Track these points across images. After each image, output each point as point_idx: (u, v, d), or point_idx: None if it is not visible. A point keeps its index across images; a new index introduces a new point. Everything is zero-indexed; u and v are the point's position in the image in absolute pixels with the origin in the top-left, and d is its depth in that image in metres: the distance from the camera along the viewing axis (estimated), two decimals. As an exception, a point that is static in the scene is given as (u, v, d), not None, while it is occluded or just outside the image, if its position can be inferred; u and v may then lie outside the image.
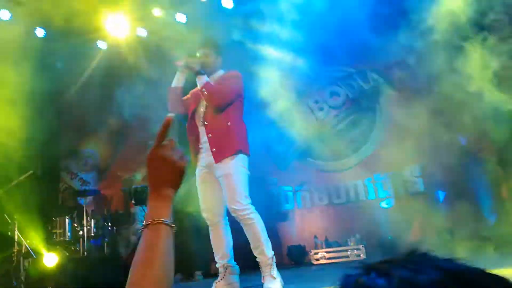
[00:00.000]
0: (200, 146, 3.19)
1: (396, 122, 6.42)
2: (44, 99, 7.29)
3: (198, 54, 3.26)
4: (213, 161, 3.04)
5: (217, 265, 3.11)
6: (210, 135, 3.08)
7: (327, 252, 6.01)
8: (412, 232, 6.16)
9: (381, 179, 6.49)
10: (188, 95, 3.39)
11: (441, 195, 6.12)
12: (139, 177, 7.21)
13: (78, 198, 6.23)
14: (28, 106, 6.38)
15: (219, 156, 3.02)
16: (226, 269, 3.02)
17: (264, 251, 2.91)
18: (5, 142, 6.12)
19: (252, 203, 3.14)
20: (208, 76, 3.19)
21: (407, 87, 6.43)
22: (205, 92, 3.05)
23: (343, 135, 6.85)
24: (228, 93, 3.12)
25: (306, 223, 6.75)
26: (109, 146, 7.76)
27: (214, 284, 3.02)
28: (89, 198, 6.42)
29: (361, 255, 5.81)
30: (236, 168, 3.01)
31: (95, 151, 7.82)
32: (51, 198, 7.26)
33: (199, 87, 3.12)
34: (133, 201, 5.26)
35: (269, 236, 3.03)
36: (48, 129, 7.31)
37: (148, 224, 0.82)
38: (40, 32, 6.71)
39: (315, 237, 6.34)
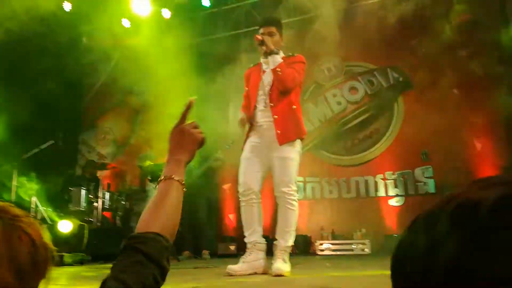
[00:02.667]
0: (257, 124, 3.18)
1: (412, 122, 6.43)
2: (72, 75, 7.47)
3: (261, 31, 3.18)
4: (274, 141, 3.04)
5: (245, 240, 3.12)
6: (276, 116, 3.09)
7: (332, 244, 6.10)
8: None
9: (393, 177, 6.53)
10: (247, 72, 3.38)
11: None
12: (154, 154, 7.37)
13: (96, 172, 6.41)
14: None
15: (284, 138, 3.04)
16: (255, 245, 3.04)
17: (288, 239, 2.98)
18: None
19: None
20: (268, 56, 3.15)
21: (427, 89, 6.43)
22: (279, 73, 3.05)
23: (358, 131, 6.89)
24: (298, 77, 3.12)
25: (314, 214, 6.82)
26: (128, 123, 7.92)
27: (241, 259, 3.04)
28: (106, 172, 6.59)
29: (366, 250, 5.89)
30: (295, 153, 3.06)
31: (113, 127, 7.99)
32: (69, 169, 7.47)
33: (271, 66, 3.08)
34: (149, 178, 5.40)
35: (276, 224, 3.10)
36: (70, 103, 7.50)
37: (162, 179, 0.94)
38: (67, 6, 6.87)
39: (322, 228, 6.43)
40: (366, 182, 6.68)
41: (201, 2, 7.61)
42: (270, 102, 3.14)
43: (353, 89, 7.08)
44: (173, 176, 0.93)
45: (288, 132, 3.06)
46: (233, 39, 7.36)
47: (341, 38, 6.98)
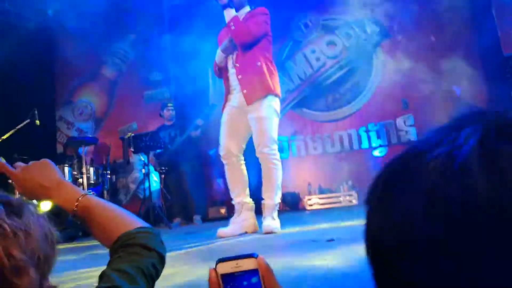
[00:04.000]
0: (231, 87, 3.16)
1: (391, 72, 6.44)
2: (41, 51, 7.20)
3: None
4: (245, 102, 3.02)
5: (233, 202, 3.16)
6: (240, 76, 3.05)
7: (320, 198, 6.22)
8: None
9: (375, 128, 6.59)
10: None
11: (432, 144, 6.26)
12: (136, 125, 7.27)
13: (78, 147, 6.32)
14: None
15: (250, 97, 3.00)
16: (243, 205, 3.08)
17: (274, 196, 3.01)
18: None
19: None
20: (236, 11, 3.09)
21: (404, 38, 6.40)
22: (233, 27, 2.97)
23: (339, 85, 6.87)
24: (256, 30, 3.01)
25: (300, 171, 6.91)
26: (105, 96, 7.75)
27: (231, 220, 3.09)
28: (88, 147, 6.50)
29: (353, 201, 6.03)
30: (268, 111, 3.00)
31: (90, 101, 7.81)
32: (49, 147, 7.34)
33: (226, 21, 3.02)
34: (132, 149, 5.34)
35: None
36: (43, 80, 7.28)
37: (77, 206, 0.83)
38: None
39: (309, 184, 6.53)
40: (350, 135, 6.74)
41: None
42: (236, 62, 3.09)
43: (331, 43, 6.99)
44: (82, 194, 0.84)
45: (254, 90, 3.00)
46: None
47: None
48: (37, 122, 5.57)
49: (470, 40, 6.05)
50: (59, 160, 5.93)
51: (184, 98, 6.70)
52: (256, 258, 0.52)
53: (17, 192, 0.89)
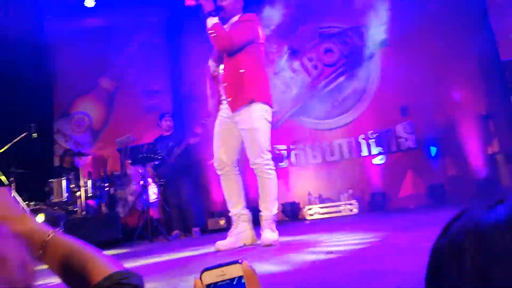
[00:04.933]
0: (222, 97, 3.10)
1: (389, 79, 6.42)
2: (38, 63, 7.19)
3: None
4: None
5: (230, 214, 3.10)
6: (225, 83, 3.00)
7: (320, 207, 6.15)
8: (403, 187, 6.32)
9: (374, 136, 6.55)
10: None
11: (432, 150, 6.22)
12: (133, 137, 7.22)
13: (75, 160, 6.27)
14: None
15: (234, 105, 2.93)
16: (239, 217, 3.02)
17: (271, 208, 2.95)
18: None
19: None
20: (227, 21, 3.04)
21: (402, 45, 6.38)
22: (213, 34, 2.90)
23: (337, 93, 6.85)
24: (236, 36, 2.93)
25: (300, 180, 6.85)
26: (103, 107, 7.72)
27: (228, 233, 3.02)
28: (85, 160, 6.45)
29: (354, 210, 5.96)
30: (257, 120, 2.92)
31: (87, 113, 7.78)
32: (46, 160, 7.29)
33: (208, 28, 2.95)
34: (129, 161, 5.29)
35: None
36: (40, 92, 7.26)
37: (45, 247, 0.70)
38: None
39: (309, 193, 6.47)
40: (349, 143, 6.70)
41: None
42: (222, 70, 3.05)
43: (328, 51, 6.98)
44: (50, 234, 0.71)
45: (238, 98, 2.94)
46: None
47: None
48: (34, 135, 5.54)
49: (468, 45, 6.02)
50: (57, 173, 5.88)
51: (182, 108, 6.68)
52: (240, 264, 0.52)
53: None
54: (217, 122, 3.15)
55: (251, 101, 2.93)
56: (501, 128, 5.55)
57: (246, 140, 2.97)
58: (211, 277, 0.51)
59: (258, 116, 2.94)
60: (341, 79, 6.84)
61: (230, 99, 2.97)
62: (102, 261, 0.70)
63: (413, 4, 6.02)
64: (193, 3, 2.96)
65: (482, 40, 5.92)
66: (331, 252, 1.97)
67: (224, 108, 3.09)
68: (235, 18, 3.08)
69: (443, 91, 6.19)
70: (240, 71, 2.96)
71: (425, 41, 6.27)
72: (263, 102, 2.99)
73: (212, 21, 2.94)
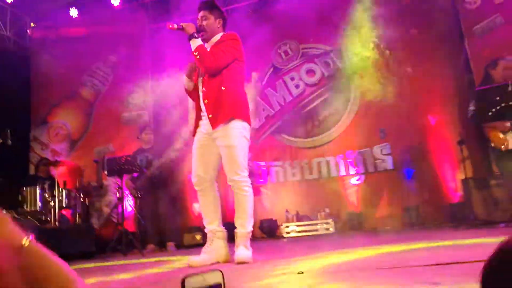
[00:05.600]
0: (201, 112, 3.12)
1: (369, 101, 6.55)
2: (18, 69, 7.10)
3: (198, 17, 3.12)
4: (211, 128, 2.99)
5: (205, 230, 3.08)
6: (206, 101, 3.02)
7: (297, 225, 6.18)
8: (380, 208, 6.40)
9: (352, 156, 6.65)
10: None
11: (409, 173, 6.34)
12: (112, 147, 7.16)
13: (51, 169, 6.16)
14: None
15: (214, 122, 2.95)
16: (215, 234, 3.01)
17: (246, 225, 2.95)
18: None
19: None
20: (208, 41, 3.08)
21: (382, 68, 6.55)
22: (197, 56, 2.94)
23: (318, 112, 6.95)
24: (221, 56, 2.98)
25: (278, 197, 6.88)
26: (82, 116, 7.63)
27: (202, 249, 3.00)
28: (61, 169, 6.34)
29: (330, 229, 6.00)
30: (236, 138, 2.94)
31: (66, 122, 7.68)
32: (21, 168, 7.14)
33: (192, 50, 2.99)
34: (106, 172, 5.23)
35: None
36: (18, 99, 7.15)
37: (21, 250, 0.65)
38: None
39: (286, 211, 6.49)
40: (328, 162, 6.78)
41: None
42: (203, 87, 3.08)
43: (310, 71, 7.11)
44: (25, 239, 0.65)
45: (218, 115, 2.96)
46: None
47: (296, 20, 6.99)
48: (9, 142, 5.43)
49: (445, 72, 6.22)
50: (31, 182, 5.76)
51: (162, 122, 6.66)
52: (220, 272, 0.55)
53: None
54: (196, 138, 3.15)
55: (231, 119, 2.96)
56: (474, 154, 5.71)
57: (224, 156, 2.98)
58: (192, 283, 0.53)
59: (237, 134, 2.96)
60: (322, 99, 6.96)
61: (211, 116, 2.99)
62: (64, 279, 0.66)
63: (394, 29, 6.20)
64: (174, 27, 3.00)
65: (458, 67, 6.14)
66: (302, 273, 1.99)
67: (204, 124, 3.10)
68: (217, 37, 3.12)
69: (420, 115, 6.35)
70: (222, 88, 2.99)
71: (404, 65, 6.45)
72: (242, 119, 3.02)
73: (195, 43, 2.98)
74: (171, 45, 6.68)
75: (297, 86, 7.11)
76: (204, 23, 3.10)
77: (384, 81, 6.39)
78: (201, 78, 3.12)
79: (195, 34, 3.00)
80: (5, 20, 7.58)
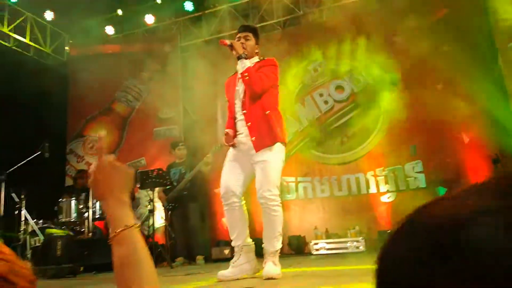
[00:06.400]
0: (237, 132, 3.19)
1: (399, 118, 6.46)
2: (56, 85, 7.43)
3: (237, 36, 3.25)
4: (252, 149, 3.04)
5: (232, 244, 3.10)
6: (249, 123, 3.07)
7: (327, 243, 6.10)
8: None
9: (383, 173, 6.55)
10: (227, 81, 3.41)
11: (441, 191, 6.18)
12: (144, 161, 7.33)
13: (86, 181, 6.35)
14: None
15: (259, 145, 3.02)
16: (242, 249, 3.03)
17: (275, 244, 2.96)
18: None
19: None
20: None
21: (412, 85, 6.46)
22: (246, 78, 3.04)
23: (347, 129, 6.90)
24: (267, 80, 3.08)
25: (307, 214, 6.83)
26: (116, 131, 7.87)
27: (230, 264, 3.02)
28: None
29: (361, 247, 5.89)
30: (275, 156, 3.02)
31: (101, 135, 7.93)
32: (57, 179, 7.40)
33: (240, 71, 3.10)
34: (138, 185, 5.35)
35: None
36: (55, 113, 7.45)
37: (119, 231, 0.80)
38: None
39: (315, 228, 6.43)
40: (357, 179, 6.69)
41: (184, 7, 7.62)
42: (243, 109, 3.13)
43: (339, 87, 7.10)
44: (131, 224, 0.81)
45: (263, 138, 3.02)
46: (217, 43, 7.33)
47: (325, 37, 7.04)
48: (46, 154, 5.66)
49: (479, 89, 6.07)
50: (68, 193, 5.95)
51: (194, 136, 6.78)
52: None
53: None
54: (230, 152, 3.20)
55: (275, 142, 3.04)
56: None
57: (259, 172, 3.01)
58: None
59: (277, 155, 3.04)
60: (351, 115, 6.91)
61: (254, 138, 3.04)
62: (132, 284, 0.74)
63: (425, 43, 6.13)
64: (226, 43, 3.13)
65: (493, 85, 5.98)
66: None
67: (240, 142, 3.15)
68: (254, 59, 3.21)
69: (453, 132, 6.21)
70: (266, 112, 3.07)
71: (436, 81, 6.35)
72: (282, 142, 3.10)
73: (245, 64, 3.09)
74: (201, 62, 6.85)
75: (325, 102, 7.10)
76: (246, 43, 3.20)
77: (414, 97, 6.30)
78: (242, 100, 3.17)
79: (244, 55, 3.11)
80: (44, 36, 7.98)
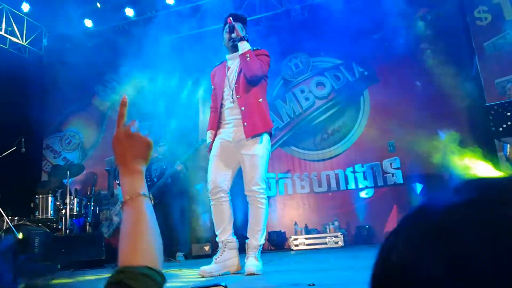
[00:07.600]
0: (224, 121, 3.15)
1: (378, 115, 6.57)
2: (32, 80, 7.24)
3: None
4: (242, 137, 3.01)
5: (217, 239, 3.08)
6: (243, 108, 3.04)
7: (306, 238, 6.16)
8: (389, 222, 6.37)
9: (362, 169, 6.65)
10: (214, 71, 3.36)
11: (418, 187, 6.32)
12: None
13: (63, 177, 6.24)
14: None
15: (251, 131, 2.99)
16: (226, 245, 3.02)
17: (258, 237, 2.96)
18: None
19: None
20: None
21: (391, 82, 6.57)
22: (248, 58, 3.01)
23: (327, 125, 6.98)
24: (265, 67, 3.09)
25: (287, 210, 6.88)
26: (95, 126, 7.74)
27: (213, 259, 3.01)
28: (74, 177, 6.42)
29: (339, 242, 5.98)
30: (263, 149, 3.01)
31: (78, 130, 7.79)
32: (34, 176, 7.24)
33: (240, 51, 3.05)
34: (117, 181, 5.29)
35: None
36: (32, 108, 7.28)
37: (128, 199, 0.80)
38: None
39: (295, 223, 6.49)
40: (337, 175, 6.78)
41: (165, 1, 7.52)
42: (237, 94, 3.09)
43: (320, 84, 7.16)
44: (140, 192, 0.81)
45: (255, 125, 3.01)
46: (199, 38, 7.28)
47: (307, 33, 7.07)
48: (22, 150, 5.53)
49: (455, 86, 6.22)
50: (43, 190, 5.84)
51: (174, 132, 6.72)
52: (224, 287, 0.55)
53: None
54: (215, 144, 3.16)
55: (265, 131, 3.04)
56: (484, 169, 5.68)
57: (247, 165, 3.00)
58: None
59: (265, 146, 3.03)
60: (331, 112, 6.98)
61: (246, 124, 3.01)
62: (134, 252, 0.73)
63: (405, 42, 6.24)
64: (232, 23, 3.10)
65: (470, 82, 6.13)
66: (313, 285, 2.00)
67: (226, 132, 3.13)
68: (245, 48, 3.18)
69: (430, 129, 6.34)
70: (259, 100, 3.07)
71: (414, 79, 6.47)
72: (270, 133, 3.12)
73: (246, 45, 3.06)
74: (178, 54, 6.76)
75: (306, 99, 7.16)
76: (243, 32, 3.18)
77: (393, 94, 6.41)
78: (234, 86, 3.13)
79: (246, 37, 3.10)
80: (21, 29, 7.76)
